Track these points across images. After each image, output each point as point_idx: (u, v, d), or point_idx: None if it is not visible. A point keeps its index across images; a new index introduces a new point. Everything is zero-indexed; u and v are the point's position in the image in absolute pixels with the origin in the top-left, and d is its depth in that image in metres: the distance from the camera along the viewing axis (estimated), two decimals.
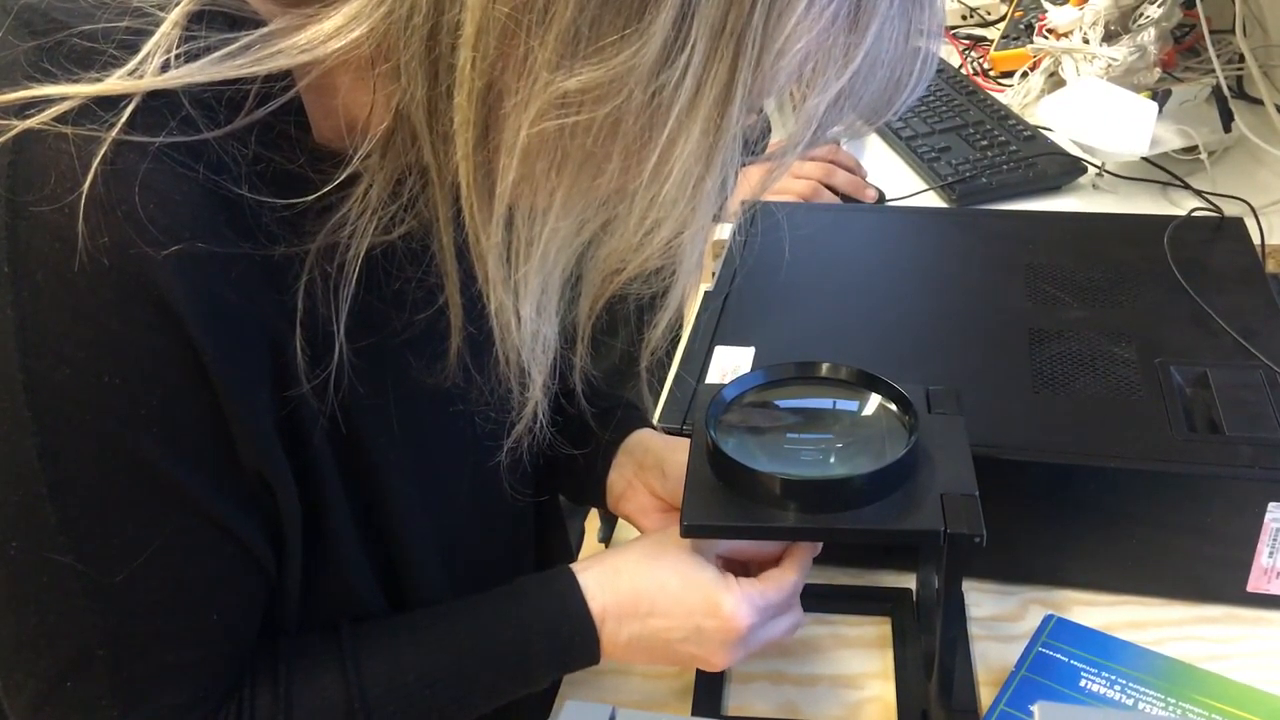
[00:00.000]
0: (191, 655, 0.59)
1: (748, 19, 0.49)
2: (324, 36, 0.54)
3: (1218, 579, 0.84)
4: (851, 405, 0.76)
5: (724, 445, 0.70)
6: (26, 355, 0.50)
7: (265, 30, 0.54)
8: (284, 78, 0.55)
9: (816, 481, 0.69)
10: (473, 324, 0.62)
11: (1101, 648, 0.80)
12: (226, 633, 0.60)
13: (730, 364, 0.93)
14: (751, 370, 0.83)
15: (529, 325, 0.57)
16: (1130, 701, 0.76)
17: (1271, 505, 0.79)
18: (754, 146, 0.55)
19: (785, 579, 0.73)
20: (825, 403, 0.77)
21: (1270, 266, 1.16)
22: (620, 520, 0.89)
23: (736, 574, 0.75)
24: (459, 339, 0.62)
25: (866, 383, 0.76)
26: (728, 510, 0.69)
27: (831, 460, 0.72)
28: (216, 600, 0.59)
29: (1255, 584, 0.83)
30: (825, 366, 0.77)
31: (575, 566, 0.71)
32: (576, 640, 0.69)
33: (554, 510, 0.90)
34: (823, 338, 0.97)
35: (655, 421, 0.89)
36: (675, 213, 0.54)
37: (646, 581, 0.70)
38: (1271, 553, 0.81)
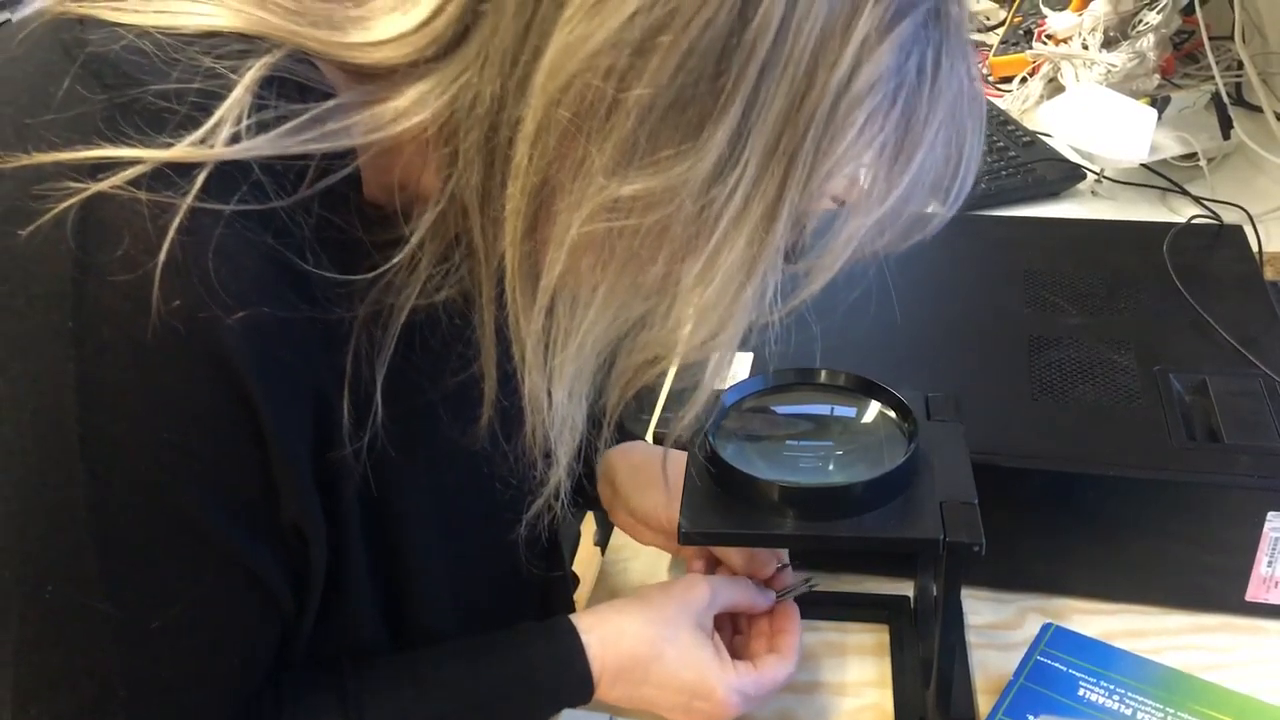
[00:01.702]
0: (208, 697, 0.59)
1: (801, 140, 0.50)
2: (389, 118, 0.55)
3: (1216, 588, 0.83)
4: (850, 412, 0.76)
5: (722, 452, 0.70)
6: (86, 409, 0.50)
7: (332, 104, 0.54)
8: (347, 151, 0.56)
9: (815, 489, 0.69)
10: (505, 398, 0.63)
11: (1100, 656, 0.80)
12: (243, 675, 0.60)
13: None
14: (750, 376, 0.83)
15: (560, 410, 0.58)
16: (1129, 711, 0.76)
17: (1270, 514, 0.79)
18: (794, 255, 0.56)
19: (780, 670, 0.75)
20: (824, 409, 0.77)
21: (1269, 274, 1.16)
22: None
23: (730, 631, 0.78)
24: (491, 411, 0.63)
25: (865, 389, 0.76)
26: (726, 517, 0.68)
27: (830, 467, 0.72)
28: (239, 645, 0.59)
29: (1254, 593, 0.83)
30: (824, 373, 0.77)
31: (580, 624, 0.71)
32: (575, 697, 0.71)
33: (564, 583, 0.90)
34: (821, 343, 0.96)
35: (652, 427, 0.89)
36: (714, 316, 0.55)
37: (645, 649, 0.71)
38: (1270, 562, 0.81)
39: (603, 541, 0.98)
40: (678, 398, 0.91)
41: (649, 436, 0.91)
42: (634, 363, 0.60)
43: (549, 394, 0.58)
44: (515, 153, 0.52)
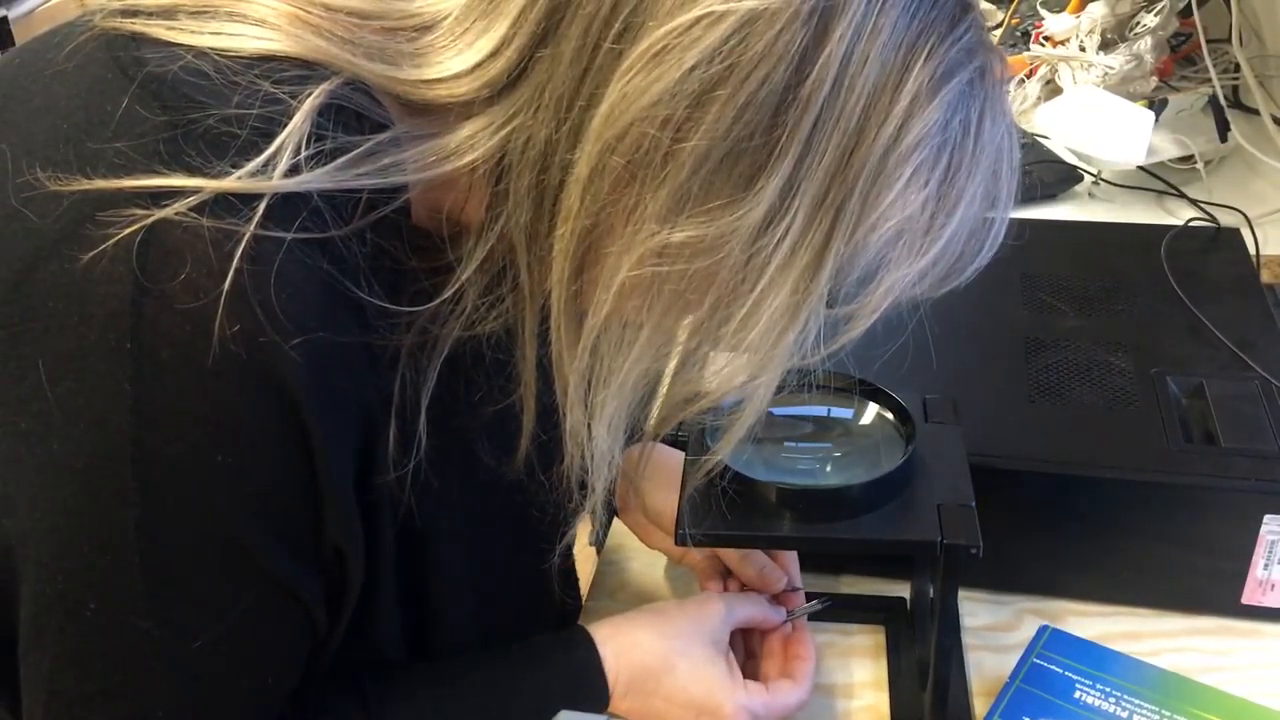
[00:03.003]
0: (241, 715, 0.59)
1: (849, 193, 0.52)
2: (441, 155, 0.55)
3: (1212, 591, 0.84)
4: (848, 414, 0.76)
5: None
6: (140, 428, 0.50)
7: (386, 136, 0.55)
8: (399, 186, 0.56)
9: (813, 491, 0.69)
10: (544, 430, 0.63)
11: (1096, 659, 0.80)
12: (275, 692, 0.60)
13: None
14: None
15: (599, 443, 0.59)
16: (1124, 713, 0.76)
17: (1267, 517, 0.79)
18: (835, 300, 0.57)
19: (792, 695, 0.75)
20: (822, 411, 0.77)
21: (1266, 277, 1.16)
22: (616, 524, 0.89)
23: (743, 652, 0.78)
24: (529, 442, 0.63)
25: (863, 391, 0.76)
26: (724, 519, 0.68)
27: (828, 469, 0.72)
28: (274, 663, 0.59)
29: (1250, 596, 0.83)
30: (822, 375, 0.77)
31: (596, 635, 0.72)
32: (588, 706, 0.71)
33: (578, 611, 0.91)
34: None
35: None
36: (756, 358, 0.56)
37: (658, 662, 0.71)
38: (1266, 565, 0.81)
39: (599, 542, 0.98)
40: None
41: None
42: (674, 399, 0.61)
43: (589, 428, 0.58)
44: (566, 195, 0.53)
